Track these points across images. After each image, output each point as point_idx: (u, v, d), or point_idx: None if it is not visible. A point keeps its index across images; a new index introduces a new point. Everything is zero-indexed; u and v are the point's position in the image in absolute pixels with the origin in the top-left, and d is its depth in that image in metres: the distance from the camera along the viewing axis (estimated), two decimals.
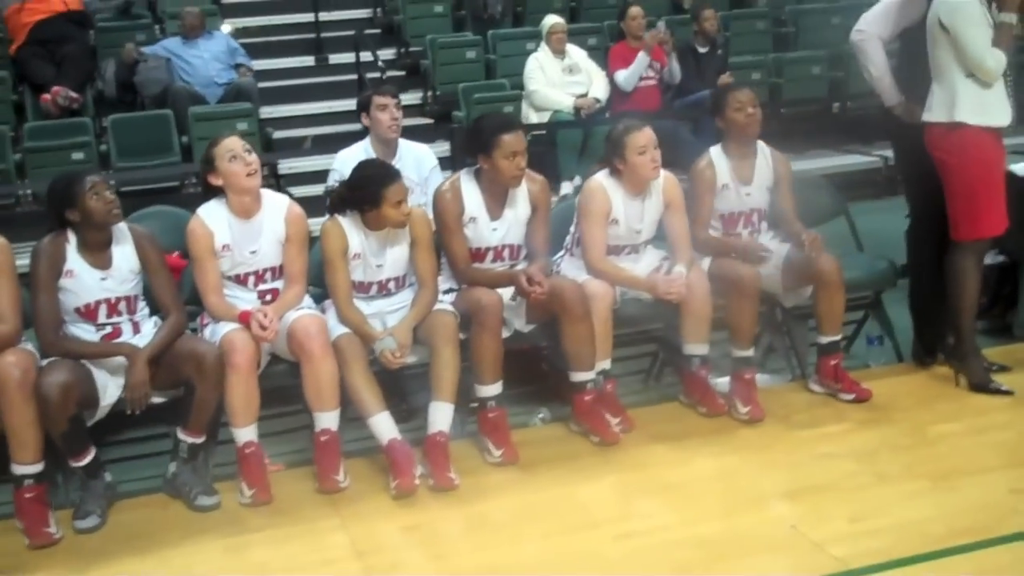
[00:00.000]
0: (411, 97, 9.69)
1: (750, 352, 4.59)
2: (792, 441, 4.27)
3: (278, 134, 8.87)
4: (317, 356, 4.05)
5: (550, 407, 4.71)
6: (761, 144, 4.79)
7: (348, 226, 4.24)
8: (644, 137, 4.45)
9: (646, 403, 4.83)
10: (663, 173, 4.58)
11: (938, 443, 4.16)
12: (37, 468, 3.81)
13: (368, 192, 4.16)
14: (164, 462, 4.15)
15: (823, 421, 4.42)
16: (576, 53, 8.68)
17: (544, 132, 8.56)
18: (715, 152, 4.76)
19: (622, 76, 8.40)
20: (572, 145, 8.34)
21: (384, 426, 4.09)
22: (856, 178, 8.42)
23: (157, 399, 4.04)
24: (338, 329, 4.19)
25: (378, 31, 10.51)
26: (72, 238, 4.00)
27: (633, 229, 4.58)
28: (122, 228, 4.10)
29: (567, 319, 4.30)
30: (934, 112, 4.51)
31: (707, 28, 8.82)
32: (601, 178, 4.57)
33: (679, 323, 4.57)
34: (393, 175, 4.20)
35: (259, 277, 4.25)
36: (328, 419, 4.10)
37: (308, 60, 10.07)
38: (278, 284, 4.28)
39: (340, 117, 8.78)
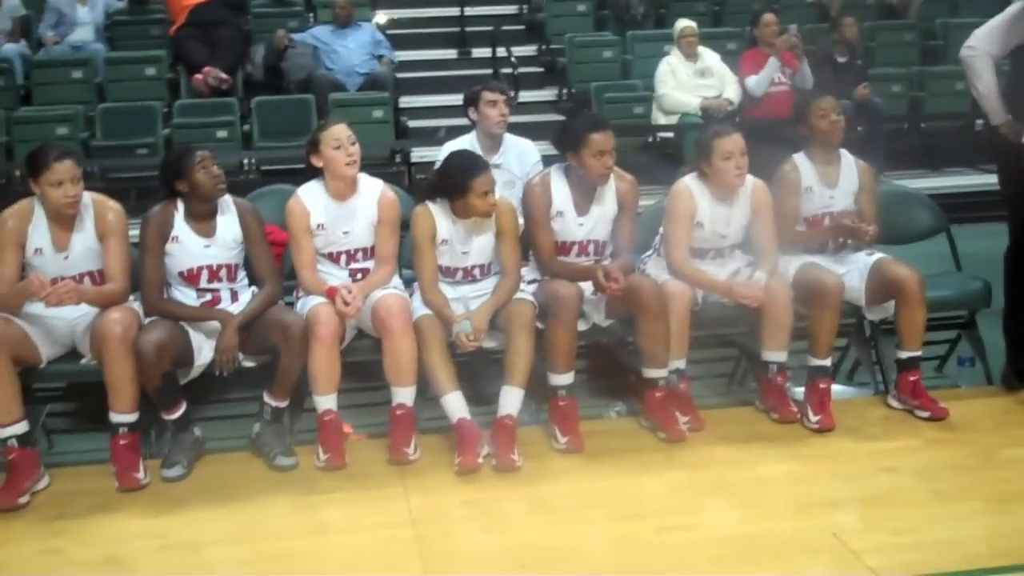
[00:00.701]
0: (547, 94, 9.94)
1: (827, 362, 4.60)
2: (857, 453, 4.27)
3: (414, 123, 9.17)
4: (397, 333, 4.26)
5: (627, 402, 4.81)
6: (844, 152, 4.82)
7: (437, 213, 4.44)
8: (732, 143, 4.53)
9: (724, 405, 4.88)
10: (752, 180, 4.65)
11: (1005, 467, 4.10)
12: (132, 418, 4.12)
13: (456, 181, 4.35)
14: (252, 423, 4.42)
15: (893, 436, 4.40)
16: (710, 57, 8.71)
17: (672, 135, 8.66)
18: (799, 157, 4.80)
19: (752, 81, 8.38)
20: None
21: (455, 405, 4.28)
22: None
23: (247, 363, 4.33)
24: (421, 310, 4.39)
25: (522, 27, 10.73)
26: (180, 207, 4.32)
27: (718, 233, 4.65)
28: (227, 200, 4.39)
29: (643, 316, 4.40)
30: None
31: (847, 36, 8.72)
32: (689, 181, 4.66)
33: (759, 329, 4.62)
34: (481, 166, 4.38)
35: (351, 256, 4.49)
36: (404, 394, 4.31)
37: (451, 53, 10.36)
38: (370, 264, 4.51)
39: None
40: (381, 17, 10.38)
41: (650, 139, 8.83)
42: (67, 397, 4.71)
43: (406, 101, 9.47)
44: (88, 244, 4.21)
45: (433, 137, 9.07)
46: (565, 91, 9.70)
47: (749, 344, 4.78)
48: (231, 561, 3.61)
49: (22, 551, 3.67)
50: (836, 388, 4.88)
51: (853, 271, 4.69)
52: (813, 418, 4.49)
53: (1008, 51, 4.69)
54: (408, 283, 4.63)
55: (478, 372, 4.60)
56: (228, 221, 4.37)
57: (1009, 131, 4.67)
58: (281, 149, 8.26)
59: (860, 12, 10.01)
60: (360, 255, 4.50)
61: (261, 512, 3.92)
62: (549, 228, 4.55)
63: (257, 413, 4.37)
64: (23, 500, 3.96)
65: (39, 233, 4.18)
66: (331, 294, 4.30)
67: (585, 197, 4.56)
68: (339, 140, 4.40)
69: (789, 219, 4.75)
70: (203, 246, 4.32)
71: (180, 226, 4.31)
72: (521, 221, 4.67)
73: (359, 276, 4.48)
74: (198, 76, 8.83)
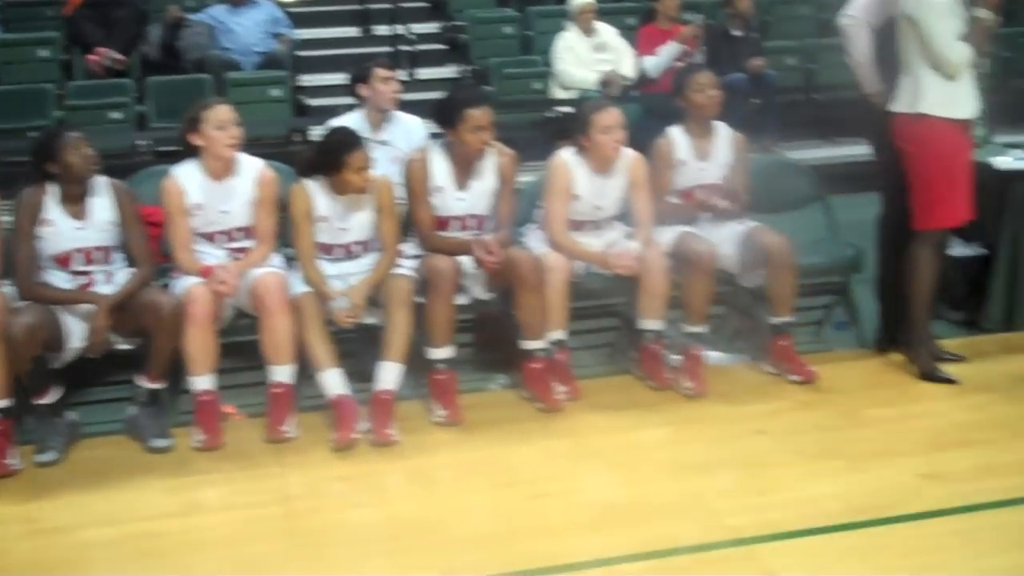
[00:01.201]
0: (449, 71, 9.92)
1: (700, 328, 4.70)
2: (727, 417, 4.37)
3: (315, 101, 9.11)
4: (274, 311, 4.26)
5: (511, 374, 4.86)
6: (720, 124, 4.91)
7: (315, 190, 4.44)
8: (610, 117, 4.61)
9: (607, 374, 4.95)
10: (630, 153, 4.73)
11: (867, 427, 4.23)
12: (3, 403, 4.08)
13: (331, 157, 4.36)
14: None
15: (763, 400, 4.52)
16: (606, 31, 8.74)
17: (572, 110, 8.68)
18: (674, 130, 4.88)
19: (651, 63, 8.41)
20: None
21: (332, 381, 4.30)
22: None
23: (122, 346, 4.31)
24: (299, 287, 4.40)
25: (426, 5, 10.71)
26: (51, 189, 4.26)
27: (595, 205, 4.72)
28: (102, 181, 4.35)
29: (520, 289, 4.45)
30: (900, 102, 4.56)
31: (741, 10, 8.80)
32: (566, 155, 4.71)
33: (637, 298, 4.69)
34: (356, 142, 4.39)
35: (229, 236, 4.47)
36: (282, 372, 4.32)
37: (353, 31, 10.30)
38: (249, 244, 4.50)
39: None
40: None
41: (548, 114, 8.85)
42: None
43: (307, 80, 9.39)
44: None
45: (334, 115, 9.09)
46: (468, 68, 9.69)
47: (629, 313, 4.84)
48: (101, 544, 3.60)
49: None
50: (714, 355, 4.99)
51: (727, 239, 4.78)
52: (687, 384, 4.58)
53: (884, 21, 4.75)
54: (290, 262, 4.63)
55: (361, 348, 4.62)
56: (102, 203, 4.33)
57: (881, 101, 4.77)
58: (176, 129, 8.12)
59: None
60: (239, 235, 4.49)
61: (134, 494, 3.91)
62: (428, 203, 4.58)
63: (133, 396, 4.35)
64: None
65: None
66: (206, 273, 4.29)
67: (464, 172, 4.59)
68: (222, 121, 4.38)
69: (662, 191, 4.83)
70: (76, 228, 4.27)
71: (52, 209, 4.26)
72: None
73: (239, 256, 4.47)
74: (92, 57, 8.66)
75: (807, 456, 3.99)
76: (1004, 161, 5.14)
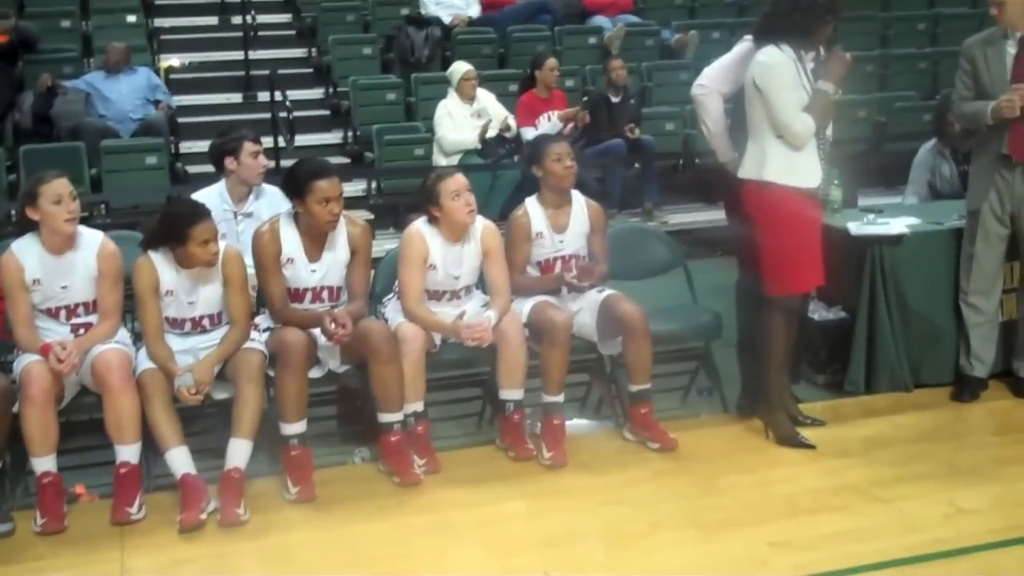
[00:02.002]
0: (333, 137, 9.92)
1: (559, 398, 4.68)
2: (585, 487, 4.34)
3: (195, 168, 8.98)
4: (115, 389, 4.15)
5: (372, 447, 4.78)
6: (576, 193, 4.93)
7: (160, 262, 4.35)
8: (456, 183, 4.62)
9: (472, 445, 4.90)
10: (482, 221, 4.72)
11: (722, 494, 4.24)
12: None
13: (175, 229, 4.27)
14: None
15: (623, 469, 4.50)
16: (486, 98, 8.82)
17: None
18: (531, 202, 4.89)
19: (530, 135, 8.47)
20: (481, 186, 8.46)
21: (179, 461, 4.18)
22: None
23: None
24: (144, 364, 4.29)
25: (310, 71, 10.70)
26: None
27: (451, 275, 4.70)
28: None
29: (374, 360, 4.39)
30: (747, 169, 4.63)
31: (615, 78, 8.96)
32: (420, 224, 4.69)
33: (495, 369, 4.67)
34: (201, 214, 4.31)
35: (71, 311, 4.35)
36: (127, 452, 4.19)
37: (236, 97, 10.23)
38: (93, 319, 4.38)
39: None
40: (174, 61, 10.24)
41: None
42: None
43: (188, 146, 9.28)
44: None
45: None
46: (350, 134, 9.68)
47: (491, 383, 4.81)
48: None
49: None
50: (578, 423, 5.01)
51: (585, 308, 4.79)
52: (547, 454, 4.55)
53: (736, 89, 4.81)
54: (138, 337, 4.52)
55: (213, 425, 4.51)
56: None
57: (733, 168, 4.83)
58: None
59: (639, 53, 10.34)
60: (81, 309, 4.37)
61: None
62: (279, 275, 4.50)
63: None
64: None
65: None
66: (45, 351, 4.16)
67: (316, 243, 4.54)
68: (59, 195, 4.27)
69: (519, 264, 4.84)
70: None
71: None
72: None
73: (81, 331, 4.35)
74: None
75: (659, 527, 3.98)
76: (858, 226, 5.23)
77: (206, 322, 4.45)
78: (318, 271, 4.55)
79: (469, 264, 4.71)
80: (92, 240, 4.40)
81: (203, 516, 4.09)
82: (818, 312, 5.45)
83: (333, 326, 4.33)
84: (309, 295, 4.57)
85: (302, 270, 4.53)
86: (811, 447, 4.61)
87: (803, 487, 4.27)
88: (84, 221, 7.95)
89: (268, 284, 4.52)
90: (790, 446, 4.63)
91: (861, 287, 5.28)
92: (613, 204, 8.66)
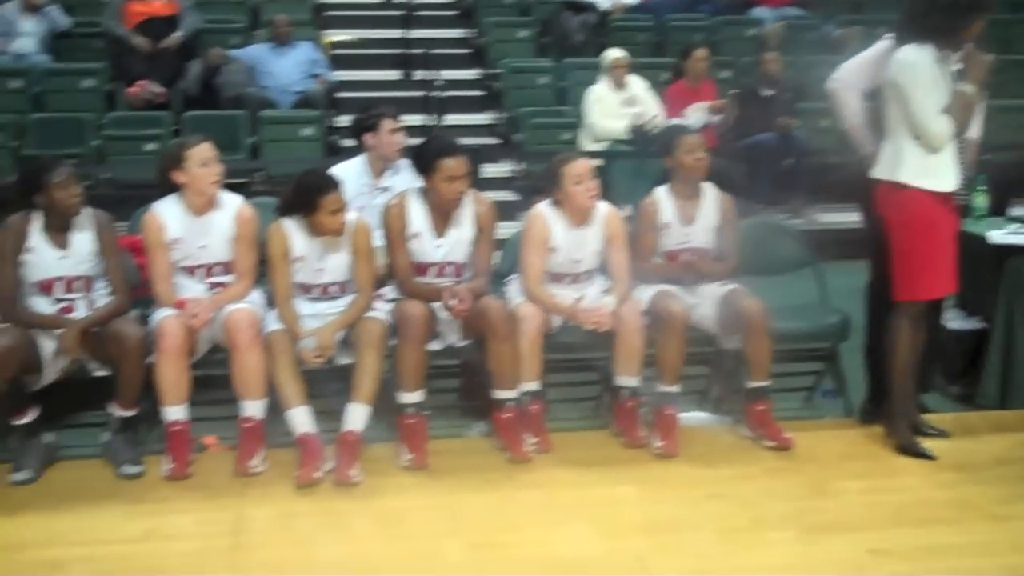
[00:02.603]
0: (485, 117, 10.06)
1: (673, 388, 4.68)
2: (692, 479, 4.33)
3: (350, 142, 9.23)
4: (243, 347, 4.34)
5: (489, 422, 4.87)
6: (708, 186, 4.91)
7: (292, 229, 4.52)
8: (580, 167, 4.67)
9: (587, 428, 4.94)
10: (607, 207, 4.76)
11: (830, 498, 4.16)
12: None
13: (305, 199, 4.44)
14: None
15: (733, 464, 4.46)
16: (637, 85, 8.82)
17: (601, 162, 8.75)
18: (661, 191, 4.89)
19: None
20: (627, 174, 8.46)
21: (299, 420, 4.36)
22: None
23: (98, 372, 4.42)
24: (273, 325, 4.47)
25: (468, 51, 10.87)
26: (37, 218, 4.39)
27: (572, 258, 4.75)
28: (87, 212, 4.46)
29: (491, 338, 4.48)
30: (881, 169, 4.52)
31: (769, 71, 8.83)
32: (543, 207, 4.75)
33: (613, 354, 4.70)
34: (331, 185, 4.45)
35: (208, 270, 4.57)
36: (252, 407, 4.40)
37: (394, 74, 10.46)
38: (228, 279, 4.59)
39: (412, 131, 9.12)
40: (343, 35, 10.55)
41: None
42: None
43: (344, 120, 9.53)
44: None
45: None
46: (501, 116, 9.80)
47: (607, 369, 4.84)
48: (43, 563, 3.68)
49: None
50: (695, 415, 4.98)
51: (707, 301, 4.78)
52: (657, 443, 4.56)
53: (873, 86, 4.71)
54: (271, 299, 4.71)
55: (333, 389, 4.66)
56: (85, 234, 4.44)
57: (869, 165, 4.71)
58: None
59: (799, 46, 10.14)
60: (218, 269, 4.57)
61: (93, 519, 3.99)
62: (405, 249, 4.63)
63: (107, 422, 4.44)
64: None
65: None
66: (181, 305, 4.38)
67: (442, 219, 4.65)
68: (206, 158, 4.47)
69: (645, 252, 4.85)
70: (58, 257, 4.39)
71: (36, 237, 4.38)
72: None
73: (217, 290, 4.56)
74: (132, 89, 8.93)
75: (759, 524, 3.93)
76: (998, 235, 5.06)
77: (334, 289, 4.60)
78: (443, 247, 4.66)
79: (591, 248, 4.75)
80: (231, 203, 4.60)
81: (319, 474, 4.26)
82: (956, 321, 5.30)
83: (453, 300, 4.43)
84: (433, 270, 4.68)
85: (427, 245, 4.65)
86: (931, 458, 4.48)
87: (915, 497, 4.16)
88: (241, 188, 8.47)
89: (394, 256, 4.65)
90: (909, 455, 4.52)
91: (998, 298, 5.11)
92: (760, 199, 8.56)
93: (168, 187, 4.56)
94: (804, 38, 10.46)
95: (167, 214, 4.52)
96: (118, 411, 4.36)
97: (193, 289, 4.54)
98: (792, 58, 9.69)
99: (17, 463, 4.30)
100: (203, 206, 4.53)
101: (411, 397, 4.48)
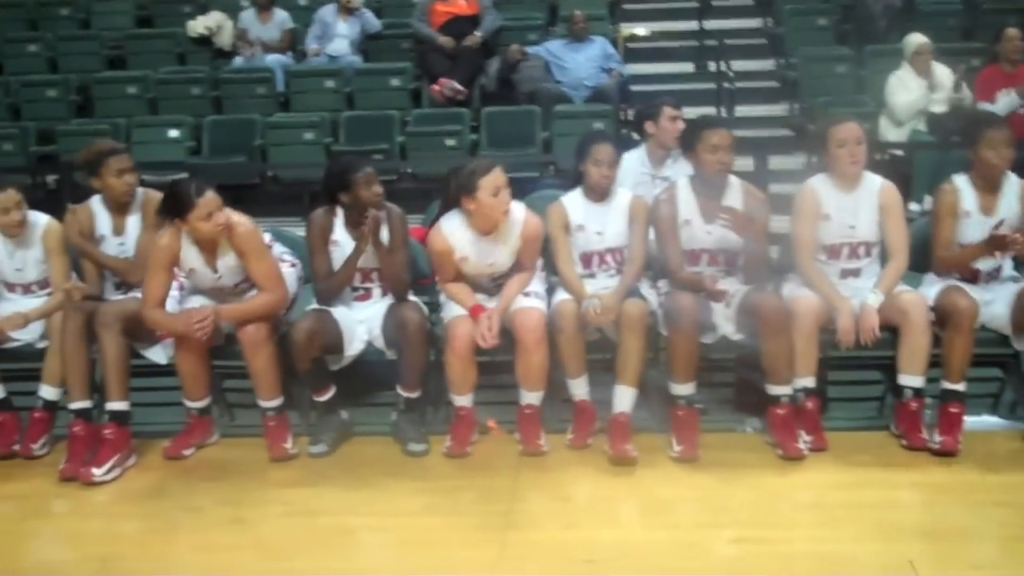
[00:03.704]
0: (779, 109, 9.87)
1: (958, 386, 4.47)
2: (973, 485, 4.13)
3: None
4: (530, 348, 4.54)
5: (764, 419, 4.83)
6: (1011, 176, 4.67)
7: (571, 202, 4.82)
8: (845, 131, 4.57)
9: (867, 429, 4.79)
10: (880, 180, 4.67)
11: None
12: (275, 403, 4.66)
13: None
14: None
15: (1018, 471, 4.23)
16: (941, 73, 8.40)
17: (902, 153, 8.43)
18: (960, 180, 4.69)
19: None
20: (927, 166, 8.12)
21: (579, 388, 4.60)
22: None
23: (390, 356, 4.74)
24: (560, 295, 4.67)
25: (763, 41, 10.70)
26: (340, 213, 4.73)
27: (846, 224, 4.65)
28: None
29: (764, 332, 4.45)
30: None
31: None
32: (814, 180, 4.72)
33: (897, 352, 4.55)
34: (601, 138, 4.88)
35: (496, 279, 4.77)
36: (532, 396, 4.61)
37: (688, 67, 10.44)
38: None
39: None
40: (640, 29, 10.68)
41: (878, 157, 8.58)
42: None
43: None
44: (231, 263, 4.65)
45: None
46: (797, 106, 9.59)
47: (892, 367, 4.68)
48: (335, 529, 3.99)
49: (164, 506, 4.23)
50: (985, 419, 4.75)
51: (999, 299, 4.54)
52: (937, 438, 4.39)
53: None
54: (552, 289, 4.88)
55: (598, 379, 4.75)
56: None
57: None
58: (511, 158, 8.62)
59: None
60: (504, 275, 4.78)
61: (380, 491, 4.29)
62: (676, 240, 4.67)
63: (396, 403, 4.75)
64: (101, 472, 4.43)
65: (191, 255, 4.63)
66: (475, 314, 4.59)
67: (713, 205, 4.64)
68: (498, 186, 4.57)
69: (943, 241, 4.67)
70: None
71: (339, 231, 4.72)
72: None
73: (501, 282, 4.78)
74: (434, 87, 9.39)
75: None
76: None
77: (610, 258, 4.78)
78: (714, 232, 4.67)
79: (865, 217, 4.65)
80: (517, 218, 4.69)
81: (589, 441, 4.51)
82: None
83: (712, 286, 4.49)
84: (705, 257, 4.70)
85: (698, 231, 4.68)
86: None
87: None
88: (533, 181, 8.72)
89: (665, 248, 4.70)
90: None
91: None
92: None
93: (447, 200, 4.73)
94: None
95: (455, 233, 4.70)
96: (404, 393, 4.66)
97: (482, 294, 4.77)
98: None
99: (315, 436, 4.66)
100: (490, 228, 4.67)
101: (682, 389, 4.53)
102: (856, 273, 4.69)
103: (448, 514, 4.10)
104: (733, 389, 5.18)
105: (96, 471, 4.40)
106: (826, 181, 4.67)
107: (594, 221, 4.76)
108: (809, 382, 4.56)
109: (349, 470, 4.48)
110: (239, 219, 4.59)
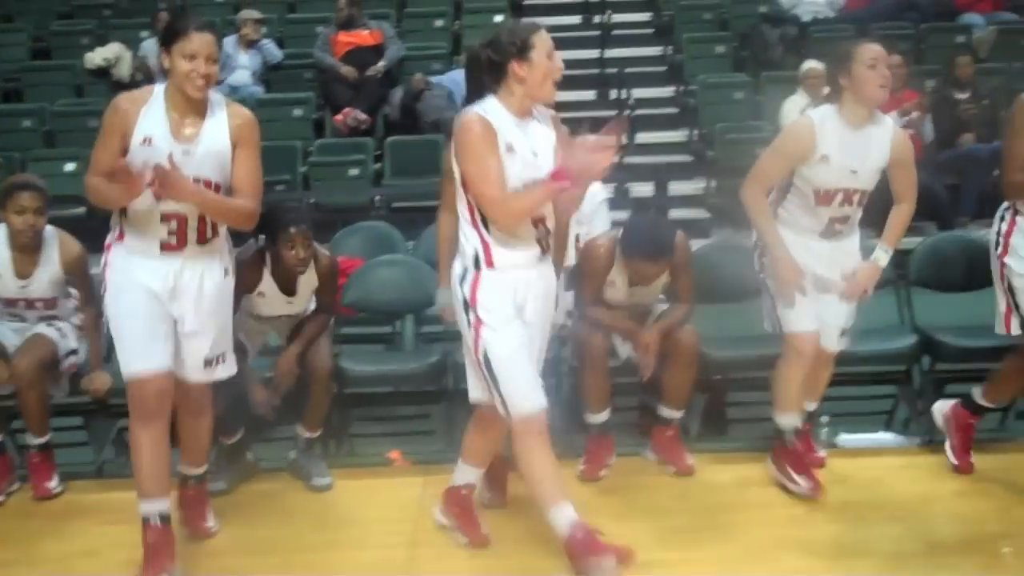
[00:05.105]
0: (679, 135, 10.03)
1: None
2: (863, 501, 4.21)
3: None
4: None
5: None
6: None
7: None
8: (876, 50, 4.00)
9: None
10: (895, 128, 4.19)
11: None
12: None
13: None
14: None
15: (909, 486, 4.33)
16: None
17: None
18: None
19: None
20: None
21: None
22: None
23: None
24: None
25: (663, 69, 10.88)
26: (268, 261, 4.53)
27: (849, 167, 4.08)
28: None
29: (677, 362, 4.54)
30: None
31: (961, 75, 8.56)
32: (817, 115, 4.12)
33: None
34: None
35: None
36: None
37: (589, 94, 10.57)
38: None
39: None
40: None
41: None
42: None
43: None
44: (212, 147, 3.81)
45: None
46: (696, 132, 9.77)
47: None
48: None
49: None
50: (880, 437, 4.86)
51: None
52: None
53: None
54: None
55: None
56: (309, 278, 4.60)
57: None
58: (416, 186, 8.66)
59: (1012, 52, 9.69)
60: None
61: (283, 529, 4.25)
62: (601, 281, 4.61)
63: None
64: None
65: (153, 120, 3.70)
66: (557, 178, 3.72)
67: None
68: (550, 48, 3.85)
69: (1018, 160, 4.12)
70: (285, 302, 4.64)
71: (266, 282, 4.55)
72: None
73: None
74: (338, 117, 9.37)
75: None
76: None
77: None
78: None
79: (872, 163, 4.13)
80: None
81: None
82: None
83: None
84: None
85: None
86: None
87: None
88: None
89: (587, 286, 4.66)
90: None
91: None
92: (967, 213, 8.28)
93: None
94: (1017, 44, 9.98)
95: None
96: (306, 433, 4.62)
97: None
98: (1005, 64, 9.31)
99: (215, 475, 4.53)
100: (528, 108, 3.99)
101: (597, 418, 4.57)
102: (843, 221, 4.20)
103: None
104: (637, 413, 5.22)
105: None
106: (833, 116, 4.08)
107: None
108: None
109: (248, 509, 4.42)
110: None
